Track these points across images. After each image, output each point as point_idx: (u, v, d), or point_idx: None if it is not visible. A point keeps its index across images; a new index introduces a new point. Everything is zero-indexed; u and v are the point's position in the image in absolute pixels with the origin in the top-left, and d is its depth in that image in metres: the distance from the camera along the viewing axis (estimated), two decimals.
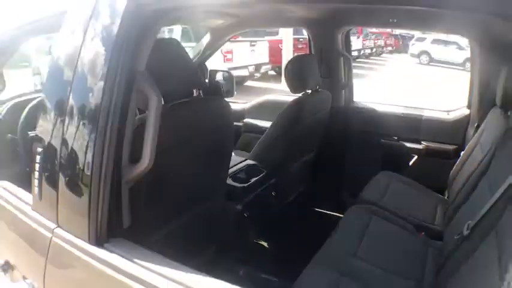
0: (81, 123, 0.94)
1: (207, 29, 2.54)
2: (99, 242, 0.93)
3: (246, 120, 2.82)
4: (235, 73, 7.91)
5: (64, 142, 0.96)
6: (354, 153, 2.34)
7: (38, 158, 1.04)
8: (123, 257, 0.89)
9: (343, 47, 2.27)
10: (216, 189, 1.52)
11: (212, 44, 2.61)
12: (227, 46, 9.77)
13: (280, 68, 11.15)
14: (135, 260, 0.87)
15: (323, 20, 2.06)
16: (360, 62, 17.72)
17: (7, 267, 1.19)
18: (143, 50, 0.95)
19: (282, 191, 1.95)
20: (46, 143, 1.01)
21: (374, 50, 20.21)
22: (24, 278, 1.10)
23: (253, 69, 10.86)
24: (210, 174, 1.46)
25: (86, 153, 0.92)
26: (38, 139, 1.03)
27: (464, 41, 20.53)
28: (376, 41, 20.60)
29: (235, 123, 2.19)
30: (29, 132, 1.79)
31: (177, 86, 1.23)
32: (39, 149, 1.03)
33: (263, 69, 10.99)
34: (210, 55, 2.69)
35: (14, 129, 1.91)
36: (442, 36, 23.76)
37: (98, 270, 0.90)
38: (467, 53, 18.33)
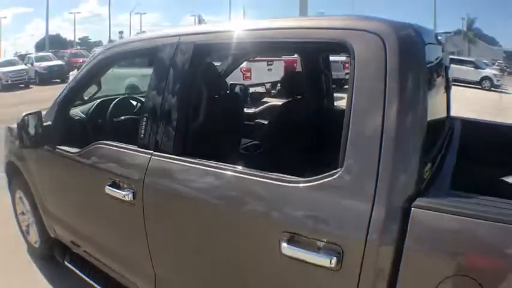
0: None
1: None
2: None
3: (257, 120, 3.73)
4: (253, 89, 8.97)
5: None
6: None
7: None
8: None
9: (323, 67, 3.17)
10: None
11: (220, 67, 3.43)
12: (246, 65, 10.82)
13: None
14: None
15: (308, 48, 2.94)
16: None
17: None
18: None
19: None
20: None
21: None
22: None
23: (270, 86, 11.83)
24: None
25: None
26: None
27: (480, 61, 21.30)
28: None
29: (247, 122, 3.18)
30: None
31: None
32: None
33: (279, 86, 11.93)
34: (226, 74, 3.52)
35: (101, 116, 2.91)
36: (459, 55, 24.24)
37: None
38: (484, 72, 19.11)
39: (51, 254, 2.77)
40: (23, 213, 3.05)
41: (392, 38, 1.21)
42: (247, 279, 1.49)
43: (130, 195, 1.75)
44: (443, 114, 1.99)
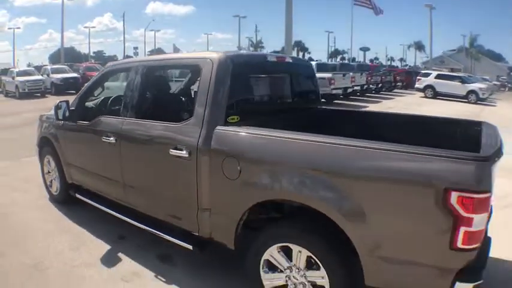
0: None
1: None
2: None
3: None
4: None
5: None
6: None
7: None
8: None
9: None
10: None
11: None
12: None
13: None
14: None
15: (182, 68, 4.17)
16: (368, 96, 19.71)
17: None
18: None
19: None
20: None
21: (380, 85, 21.88)
22: None
23: None
24: None
25: None
26: None
27: (467, 76, 22.54)
28: (383, 78, 22.51)
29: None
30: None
31: None
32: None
33: None
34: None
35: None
36: (446, 71, 25.41)
37: None
38: (470, 86, 20.10)
39: (67, 197, 4.10)
40: (48, 172, 4.41)
41: (215, 61, 2.62)
42: (155, 174, 2.89)
43: (113, 140, 3.12)
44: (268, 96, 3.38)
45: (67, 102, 3.66)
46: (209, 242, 2.63)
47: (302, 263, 2.18)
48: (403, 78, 26.50)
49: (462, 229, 1.75)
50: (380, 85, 21.58)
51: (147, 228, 3.00)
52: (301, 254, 2.16)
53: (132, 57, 44.42)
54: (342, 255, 2.06)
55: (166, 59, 3.52)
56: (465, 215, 1.73)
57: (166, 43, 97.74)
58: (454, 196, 1.73)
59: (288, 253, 2.23)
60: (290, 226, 2.28)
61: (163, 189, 2.88)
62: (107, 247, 3.34)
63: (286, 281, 2.26)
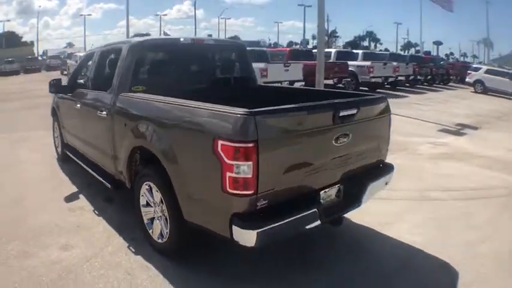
0: None
1: None
2: None
3: None
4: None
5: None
6: None
7: None
8: None
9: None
10: None
11: None
12: (263, 66, 12.99)
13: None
14: None
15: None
16: (417, 87, 19.22)
17: None
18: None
19: None
20: None
21: (429, 77, 20.99)
22: None
23: (287, 84, 13.76)
24: None
25: None
26: None
27: None
28: (435, 70, 21.53)
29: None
30: None
31: None
32: None
33: (296, 84, 13.78)
34: None
35: None
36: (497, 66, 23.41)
37: None
38: None
39: (65, 155, 5.29)
40: (56, 136, 5.67)
41: (129, 45, 3.49)
42: (93, 130, 3.85)
43: (79, 106, 4.17)
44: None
45: (59, 80, 4.78)
46: (121, 182, 3.51)
47: (158, 199, 2.85)
48: (458, 72, 24.92)
49: (227, 174, 2.09)
50: (429, 77, 20.71)
51: (89, 170, 4.03)
52: (157, 191, 2.88)
53: None
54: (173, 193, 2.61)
55: (109, 45, 4.27)
56: (227, 161, 2.08)
57: (245, 31, 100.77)
58: (219, 144, 2.11)
59: (151, 191, 2.98)
60: (149, 168, 2.95)
61: (97, 142, 3.83)
62: (75, 190, 4.43)
63: (154, 213, 3.03)
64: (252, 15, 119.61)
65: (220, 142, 2.13)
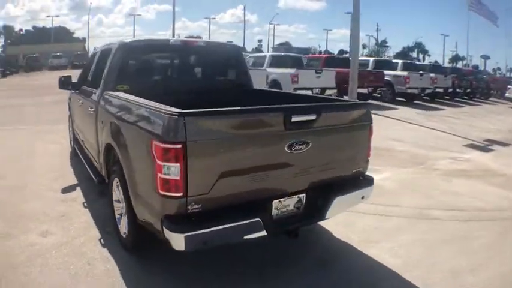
0: None
1: None
2: None
3: None
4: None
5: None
6: None
7: None
8: None
9: None
10: None
11: None
12: (293, 71, 12.88)
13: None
14: None
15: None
16: (456, 100, 18.14)
17: None
18: None
19: None
20: None
21: (469, 90, 19.54)
22: None
23: (319, 91, 13.51)
24: None
25: None
26: None
27: None
28: (474, 83, 19.96)
29: None
30: None
31: None
32: None
33: (328, 92, 13.47)
34: None
35: None
36: None
37: None
38: None
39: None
40: (70, 130, 5.98)
41: (116, 46, 3.63)
42: (88, 127, 3.95)
43: (81, 102, 4.37)
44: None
45: (69, 76, 5.04)
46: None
47: (121, 195, 2.85)
48: (499, 86, 23.10)
49: (158, 175, 2.06)
50: (468, 90, 19.47)
51: (84, 163, 4.23)
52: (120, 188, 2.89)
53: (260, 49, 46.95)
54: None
55: (107, 45, 4.35)
56: (158, 162, 2.05)
57: (298, 37, 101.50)
58: (153, 144, 2.09)
59: (119, 187, 2.98)
60: (116, 165, 2.96)
61: (88, 136, 3.98)
62: (75, 182, 4.64)
63: (121, 209, 3.01)
64: (304, 22, 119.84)
65: (153, 142, 2.11)
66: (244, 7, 59.47)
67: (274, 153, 2.37)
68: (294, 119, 2.35)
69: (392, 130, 9.22)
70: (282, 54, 21.04)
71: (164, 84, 3.90)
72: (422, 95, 15.74)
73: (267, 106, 2.39)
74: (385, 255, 3.13)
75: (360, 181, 3.02)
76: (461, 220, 3.89)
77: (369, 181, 3.07)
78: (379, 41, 58.01)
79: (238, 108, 2.26)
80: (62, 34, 56.58)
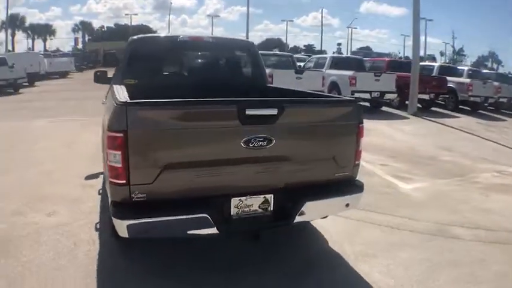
0: None
1: None
2: None
3: None
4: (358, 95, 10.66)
5: None
6: None
7: None
8: None
9: None
10: None
11: None
12: (351, 74, 12.33)
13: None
14: None
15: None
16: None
17: None
18: None
19: None
20: None
21: None
22: None
23: (378, 95, 12.78)
24: None
25: None
26: None
27: None
28: None
29: None
30: None
31: None
32: None
33: (388, 96, 12.67)
34: None
35: None
36: None
37: None
38: None
39: None
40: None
41: (129, 40, 3.79)
42: None
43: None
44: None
45: (104, 71, 5.42)
46: None
47: None
48: None
49: (107, 162, 2.13)
50: None
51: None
52: None
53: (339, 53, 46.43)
54: None
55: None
56: (107, 149, 2.12)
57: (380, 43, 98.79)
58: (105, 132, 2.18)
59: None
60: None
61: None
62: (101, 171, 4.99)
63: None
64: (386, 28, 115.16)
65: (106, 130, 2.19)
66: (322, 10, 58.84)
67: (229, 149, 2.27)
68: (249, 112, 2.22)
69: (445, 138, 8.40)
70: (343, 56, 20.48)
71: (171, 79, 3.97)
72: (486, 104, 14.12)
73: (220, 99, 2.29)
74: (376, 273, 2.82)
75: (344, 187, 2.72)
76: (484, 241, 3.36)
77: (357, 187, 2.77)
78: (456, 49, 54.25)
79: (186, 99, 2.21)
80: (144, 32, 59.45)
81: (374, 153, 6.49)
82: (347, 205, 2.70)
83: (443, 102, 14.08)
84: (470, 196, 4.57)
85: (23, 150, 6.04)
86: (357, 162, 2.77)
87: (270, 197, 2.47)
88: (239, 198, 2.39)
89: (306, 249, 3.16)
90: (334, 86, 12.66)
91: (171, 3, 65.30)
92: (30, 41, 52.97)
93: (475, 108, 13.90)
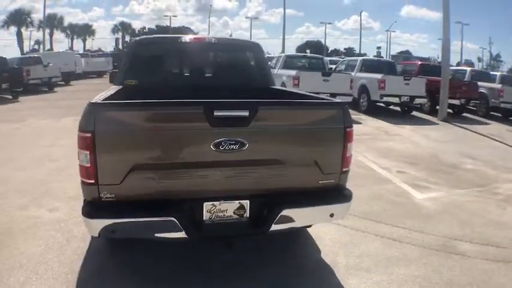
0: None
1: None
2: None
3: None
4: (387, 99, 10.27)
5: None
6: None
7: None
8: None
9: None
10: None
11: None
12: (379, 77, 11.91)
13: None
14: None
15: None
16: None
17: None
18: None
19: None
20: None
21: None
22: None
23: (407, 99, 12.27)
24: None
25: None
26: None
27: None
28: None
29: None
30: None
31: None
32: None
33: (417, 101, 12.15)
34: None
35: None
36: None
37: None
38: None
39: None
40: None
41: (129, 42, 4.17)
42: None
43: None
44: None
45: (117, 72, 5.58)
46: None
47: None
48: None
49: (78, 162, 2.16)
50: None
51: None
52: None
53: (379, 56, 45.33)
54: None
55: None
56: (78, 149, 2.14)
57: (421, 47, 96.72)
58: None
59: None
60: None
61: None
62: None
63: None
64: (426, 32, 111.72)
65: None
66: (361, 13, 57.22)
67: (198, 151, 2.21)
68: (217, 113, 2.15)
69: (472, 146, 7.91)
70: (374, 59, 19.76)
71: (172, 80, 3.98)
72: None
73: (186, 100, 2.24)
74: None
75: (329, 195, 2.55)
76: (490, 259, 3.09)
77: (344, 197, 2.59)
78: (493, 55, 51.86)
79: (152, 101, 2.18)
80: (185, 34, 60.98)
81: (393, 159, 6.27)
82: (331, 215, 2.54)
83: (474, 108, 13.35)
84: (486, 208, 4.24)
85: (43, 146, 6.33)
86: (344, 169, 2.58)
87: (245, 203, 2.38)
88: (212, 203, 2.32)
89: (294, 259, 3.04)
90: (363, 89, 12.36)
91: (211, 5, 66.23)
92: (68, 41, 55.07)
93: (506, 115, 13.05)
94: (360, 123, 10.24)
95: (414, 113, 12.57)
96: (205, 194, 2.31)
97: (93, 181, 2.13)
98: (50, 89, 16.90)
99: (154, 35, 4.36)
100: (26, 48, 43.26)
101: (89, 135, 2.06)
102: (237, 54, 4.20)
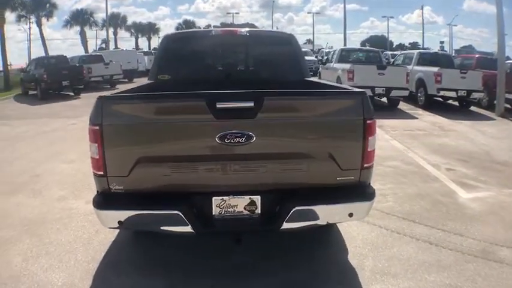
0: None
1: None
2: None
3: None
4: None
5: None
6: None
7: None
8: None
9: None
10: None
11: None
12: (436, 70, 11.17)
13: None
14: None
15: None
16: None
17: None
18: None
19: None
20: None
21: None
22: None
23: (464, 93, 11.38)
24: None
25: None
26: None
27: None
28: None
29: None
30: None
31: None
32: None
33: (474, 95, 11.25)
34: None
35: None
36: None
37: None
38: None
39: None
40: None
41: (163, 37, 3.91)
42: None
43: None
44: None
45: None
46: None
47: None
48: None
49: (90, 154, 2.22)
50: None
51: None
52: None
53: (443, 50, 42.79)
54: None
55: None
56: (89, 142, 2.19)
57: (484, 42, 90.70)
58: None
59: None
60: None
61: None
62: None
63: None
64: (488, 26, 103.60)
65: None
66: (422, 7, 54.49)
67: (203, 144, 2.17)
68: (220, 105, 2.08)
69: None
70: (431, 52, 18.68)
71: (204, 74, 3.91)
72: None
73: (188, 92, 2.21)
74: None
75: (348, 193, 2.35)
76: None
77: (365, 195, 2.38)
78: None
79: (158, 93, 2.18)
80: None
81: (444, 156, 5.86)
82: (350, 214, 2.35)
83: None
84: None
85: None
86: (366, 165, 2.34)
87: (256, 198, 2.29)
88: (221, 197, 2.26)
89: (318, 259, 2.90)
90: (421, 83, 11.75)
91: (273, 1, 66.03)
92: (134, 39, 57.17)
93: None
94: (416, 118, 9.73)
95: (472, 108, 11.63)
96: (213, 188, 2.27)
97: (102, 172, 2.18)
98: (112, 86, 17.08)
99: (185, 30, 4.42)
100: (93, 47, 45.48)
101: (97, 128, 2.12)
102: (270, 47, 4.01)
